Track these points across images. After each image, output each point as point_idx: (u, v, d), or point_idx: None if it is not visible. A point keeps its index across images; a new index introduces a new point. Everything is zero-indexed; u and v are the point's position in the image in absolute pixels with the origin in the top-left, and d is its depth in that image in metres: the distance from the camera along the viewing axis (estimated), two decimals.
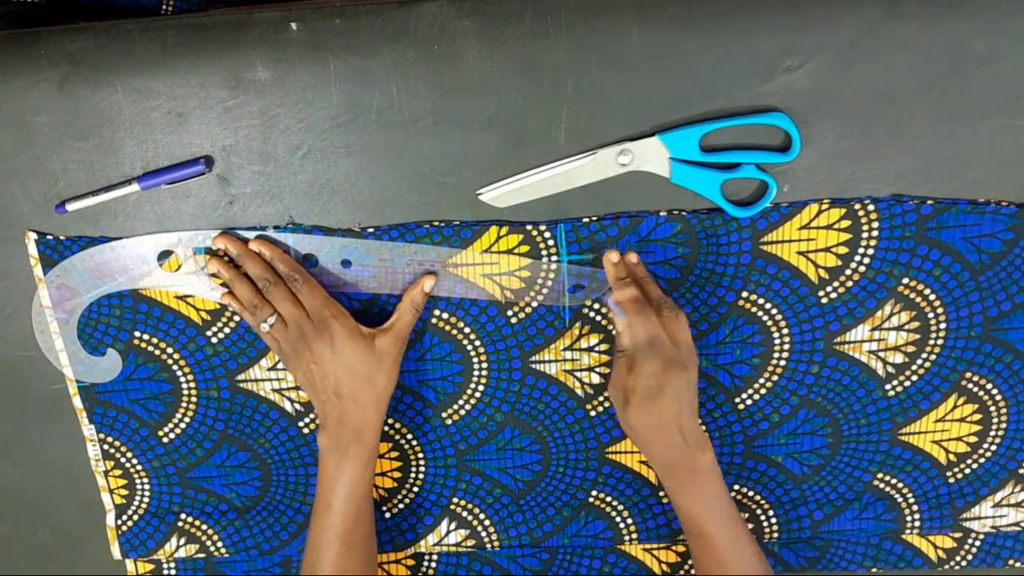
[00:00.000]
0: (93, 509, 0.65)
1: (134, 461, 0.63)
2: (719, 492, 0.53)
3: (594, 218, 0.55)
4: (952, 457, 0.61)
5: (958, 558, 0.64)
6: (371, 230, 0.56)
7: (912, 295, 0.56)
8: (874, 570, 0.65)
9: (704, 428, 0.60)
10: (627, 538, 0.63)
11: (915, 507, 0.62)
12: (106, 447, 0.63)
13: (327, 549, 0.55)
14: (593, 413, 0.61)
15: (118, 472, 0.64)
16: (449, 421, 0.61)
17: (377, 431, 0.56)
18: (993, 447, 0.61)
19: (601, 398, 0.60)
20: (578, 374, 0.60)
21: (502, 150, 0.54)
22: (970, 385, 0.59)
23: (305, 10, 0.52)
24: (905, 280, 0.56)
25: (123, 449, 0.63)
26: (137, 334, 0.60)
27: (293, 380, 0.59)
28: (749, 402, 0.60)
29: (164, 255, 0.57)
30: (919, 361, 0.58)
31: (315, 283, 0.55)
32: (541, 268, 0.56)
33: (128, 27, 0.52)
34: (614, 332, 0.56)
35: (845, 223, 0.55)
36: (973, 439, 0.61)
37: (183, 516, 0.65)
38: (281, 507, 0.64)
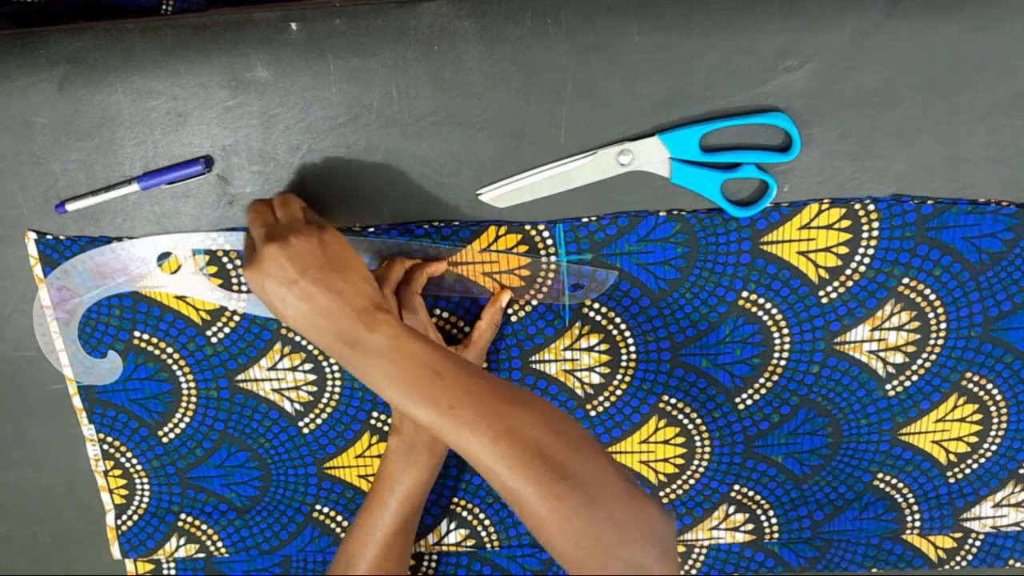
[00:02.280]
0: (93, 509, 0.65)
1: (134, 461, 0.63)
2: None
3: (593, 218, 0.55)
4: (952, 457, 0.61)
5: (958, 558, 0.64)
6: (371, 229, 0.56)
7: (912, 295, 0.56)
8: (874, 570, 0.64)
9: (704, 427, 0.60)
10: None
11: (915, 507, 0.62)
12: (106, 447, 0.63)
13: (371, 546, 0.55)
14: (593, 413, 0.61)
15: (118, 472, 0.64)
16: None
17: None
18: (993, 447, 0.61)
19: (601, 398, 0.60)
20: (578, 374, 0.60)
21: (502, 150, 0.54)
22: (970, 385, 0.59)
23: (305, 10, 0.52)
24: (905, 280, 0.56)
25: (123, 449, 0.63)
26: (137, 334, 0.60)
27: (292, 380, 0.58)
28: (749, 402, 0.60)
29: (163, 256, 0.57)
30: (919, 361, 0.58)
31: (416, 304, 0.54)
32: (541, 267, 0.56)
33: (128, 27, 0.52)
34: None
35: (845, 223, 0.55)
36: (973, 439, 0.61)
37: (183, 516, 0.65)
38: (281, 507, 0.64)
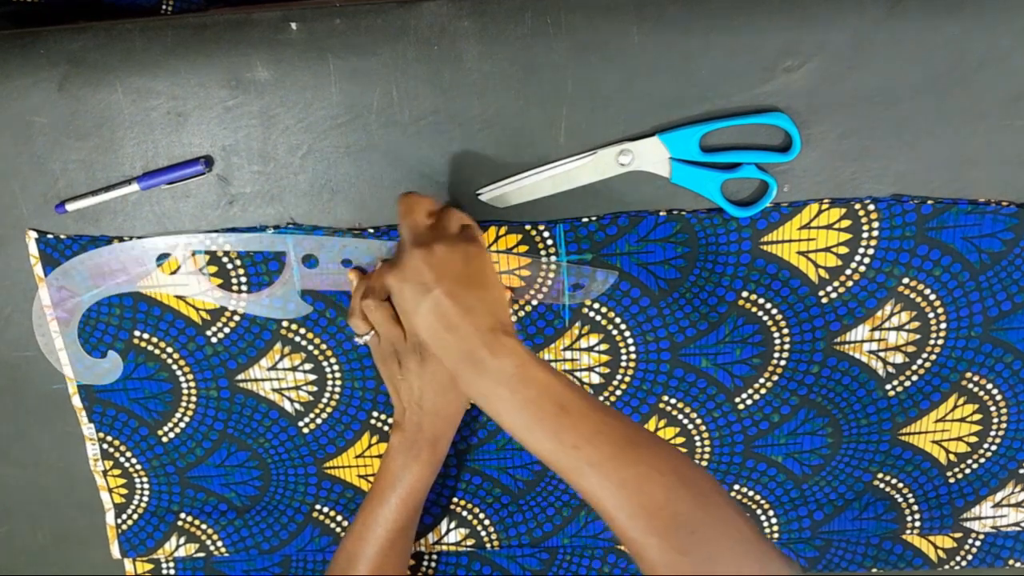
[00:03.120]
0: (92, 508, 0.65)
1: (133, 460, 0.63)
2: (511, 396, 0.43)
3: (593, 218, 0.55)
4: (952, 457, 0.61)
5: (958, 558, 0.64)
6: (371, 230, 0.56)
7: (912, 295, 0.56)
8: (874, 570, 0.64)
9: (704, 427, 0.60)
10: None
11: (915, 507, 0.62)
12: (105, 446, 0.63)
13: (371, 543, 0.55)
14: None
15: (117, 471, 0.64)
16: None
17: (450, 441, 0.57)
18: (993, 447, 0.61)
19: (601, 398, 0.60)
20: (578, 374, 0.60)
21: (502, 150, 0.54)
22: (970, 385, 0.59)
23: (305, 10, 0.52)
24: (905, 280, 0.56)
25: (122, 448, 0.63)
26: (137, 333, 0.60)
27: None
28: (749, 402, 0.60)
29: (163, 256, 0.57)
30: (919, 361, 0.58)
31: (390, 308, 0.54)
32: (541, 267, 0.56)
33: (128, 27, 0.52)
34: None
35: (845, 223, 0.55)
36: (973, 439, 0.61)
37: (182, 515, 0.65)
38: (281, 507, 0.64)
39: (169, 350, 0.60)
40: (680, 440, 0.61)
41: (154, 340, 0.60)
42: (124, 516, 0.65)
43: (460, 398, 0.55)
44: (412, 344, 0.53)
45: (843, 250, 0.55)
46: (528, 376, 0.43)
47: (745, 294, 0.57)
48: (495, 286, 0.46)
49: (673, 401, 0.60)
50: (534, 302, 0.58)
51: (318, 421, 0.62)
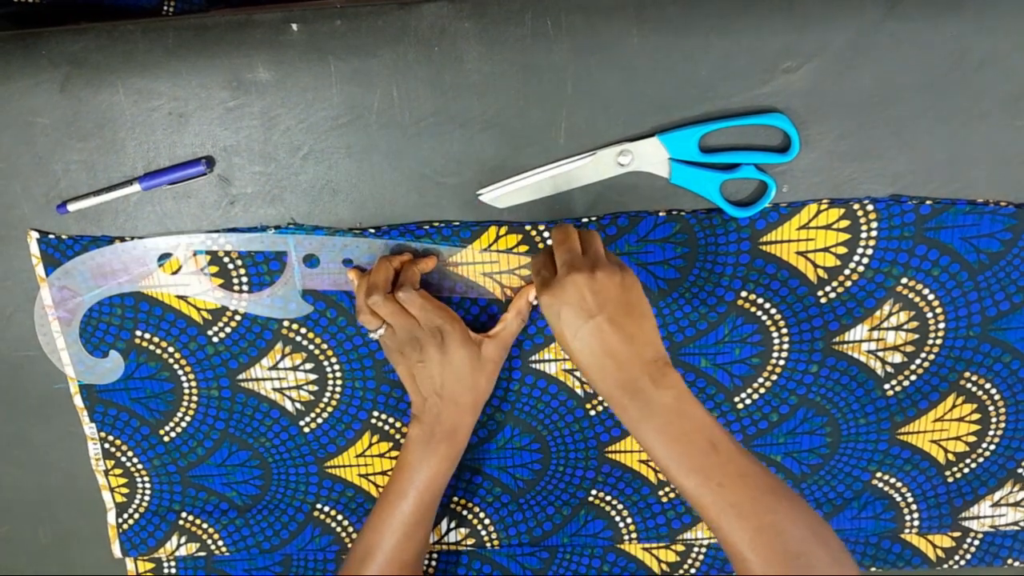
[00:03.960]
0: (94, 508, 0.65)
1: (135, 460, 0.64)
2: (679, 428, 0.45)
3: (593, 218, 0.55)
4: (951, 456, 0.61)
5: (957, 557, 0.65)
6: (372, 230, 0.56)
7: (911, 295, 0.57)
8: (873, 569, 0.65)
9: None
10: (627, 537, 0.63)
11: (914, 506, 0.62)
12: (107, 446, 0.63)
13: (388, 536, 0.55)
14: (593, 412, 0.61)
15: (119, 471, 0.64)
16: None
17: (469, 433, 0.57)
18: (992, 447, 0.61)
19: (601, 397, 0.60)
20: (578, 373, 0.60)
21: (502, 150, 0.54)
22: (969, 385, 0.59)
23: (306, 11, 0.52)
24: (904, 280, 0.56)
25: (124, 448, 0.63)
26: (139, 333, 0.60)
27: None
28: (748, 401, 0.60)
29: (164, 256, 0.57)
30: (918, 361, 0.58)
31: (426, 296, 0.54)
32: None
33: (129, 28, 0.53)
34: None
35: (844, 223, 0.55)
36: (972, 439, 0.61)
37: (184, 515, 0.65)
38: (282, 506, 0.64)
39: (171, 350, 0.60)
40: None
41: (155, 340, 0.60)
42: (125, 515, 0.65)
43: (478, 387, 0.56)
44: (431, 330, 0.53)
45: (842, 250, 0.55)
46: (685, 410, 0.45)
47: (744, 294, 0.57)
48: (651, 316, 0.48)
49: None
50: (535, 302, 0.58)
51: (319, 420, 0.62)
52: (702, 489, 0.44)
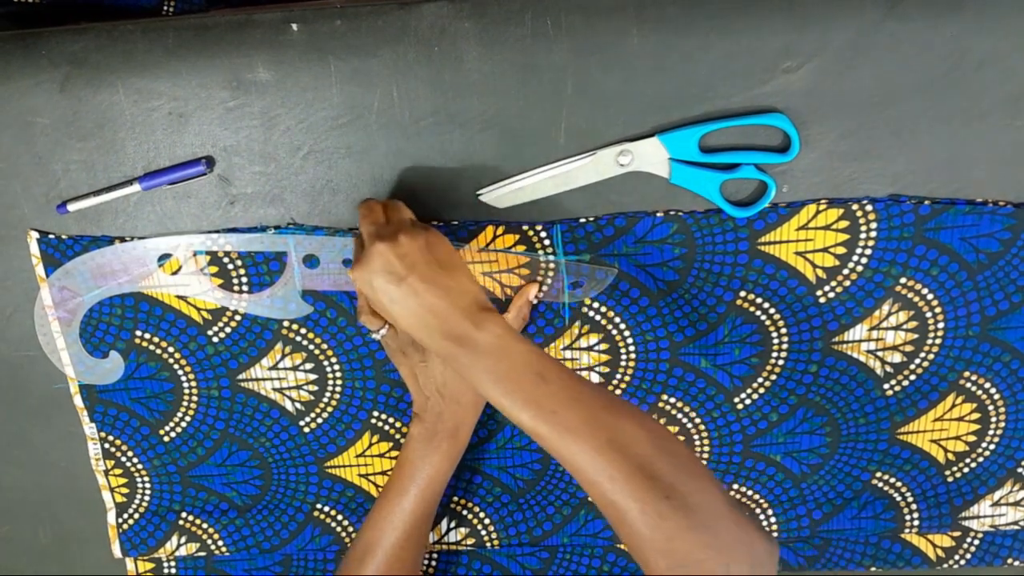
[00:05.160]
0: (94, 508, 0.65)
1: (135, 460, 0.64)
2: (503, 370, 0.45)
3: (591, 218, 0.55)
4: (951, 456, 0.61)
5: (957, 557, 0.65)
6: None
7: (910, 295, 0.57)
8: (873, 569, 0.65)
9: (703, 427, 0.61)
10: None
11: (914, 506, 0.62)
12: (107, 446, 0.63)
13: (389, 533, 0.55)
14: None
15: (119, 471, 0.64)
16: None
17: (470, 432, 0.57)
18: (992, 446, 0.61)
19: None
20: (578, 373, 0.60)
21: (502, 151, 0.54)
22: (968, 384, 0.59)
23: (306, 11, 0.52)
24: (903, 280, 0.56)
25: (124, 448, 0.63)
26: (139, 333, 0.60)
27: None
28: (748, 401, 0.60)
29: (164, 257, 0.57)
30: (917, 360, 0.58)
31: None
32: (540, 265, 0.57)
33: (129, 28, 0.53)
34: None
35: (843, 223, 0.55)
36: (972, 438, 0.61)
37: (184, 515, 0.65)
38: (282, 506, 0.64)
39: (171, 350, 0.60)
40: (679, 439, 0.61)
41: (155, 340, 0.60)
42: (125, 515, 0.65)
43: None
44: None
45: (841, 250, 0.55)
46: (509, 347, 0.45)
47: (743, 294, 0.57)
48: (462, 265, 0.48)
49: (672, 400, 0.60)
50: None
51: (319, 420, 0.62)
52: (537, 420, 0.43)
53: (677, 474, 0.41)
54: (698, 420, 0.60)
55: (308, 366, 0.60)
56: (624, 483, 0.40)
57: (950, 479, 0.62)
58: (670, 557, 0.39)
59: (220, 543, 0.65)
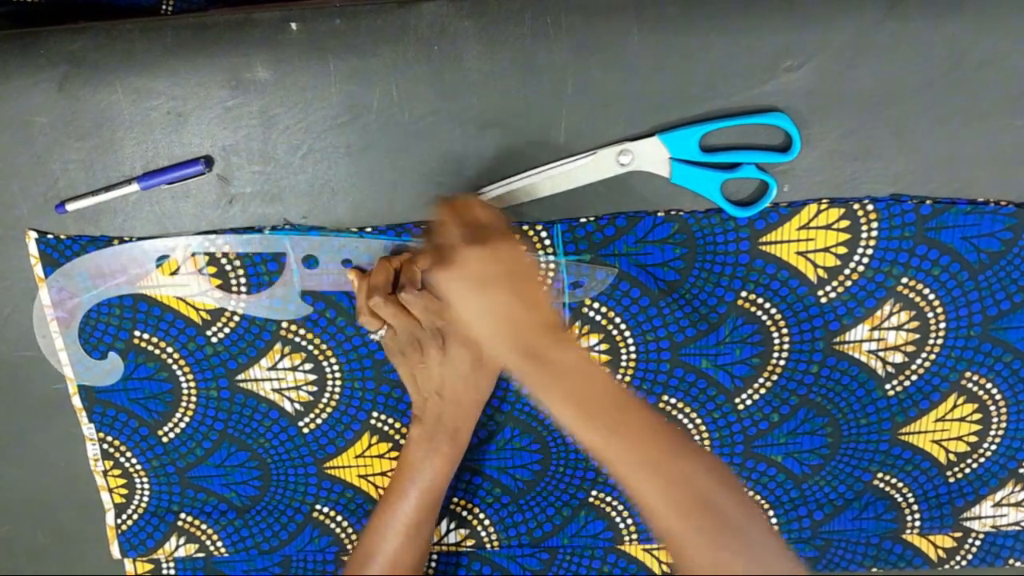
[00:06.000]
0: (92, 508, 0.65)
1: (133, 460, 0.63)
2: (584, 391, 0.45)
3: (591, 218, 0.55)
4: (952, 457, 0.61)
5: (958, 558, 0.64)
6: (370, 230, 0.56)
7: (911, 295, 0.56)
8: (874, 570, 0.65)
9: (704, 427, 0.60)
10: (627, 538, 0.63)
11: (915, 507, 0.62)
12: (106, 446, 0.63)
13: (390, 539, 0.55)
14: None
15: (117, 472, 0.64)
16: None
17: (470, 433, 0.57)
18: (993, 447, 0.61)
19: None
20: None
21: (502, 150, 0.54)
22: (970, 385, 0.59)
23: (305, 10, 0.52)
24: (904, 280, 0.56)
25: (123, 448, 0.63)
26: (137, 334, 0.60)
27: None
28: (749, 402, 0.60)
29: (162, 258, 0.57)
30: (919, 361, 0.58)
31: (428, 296, 0.53)
32: (540, 265, 0.56)
33: (128, 27, 0.52)
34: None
35: (844, 223, 0.55)
36: (973, 439, 0.61)
37: (183, 515, 0.65)
38: (281, 507, 0.64)
39: (169, 350, 0.60)
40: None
41: (154, 340, 0.60)
42: (124, 516, 0.65)
43: (480, 387, 0.55)
44: (432, 332, 0.53)
45: (842, 250, 0.55)
46: (590, 371, 0.45)
47: (744, 294, 0.57)
48: (541, 280, 0.47)
49: (673, 401, 0.60)
50: None
51: (318, 421, 0.62)
52: (611, 446, 0.43)
53: (739, 510, 0.42)
54: (699, 421, 0.60)
55: (307, 367, 0.60)
56: (690, 515, 0.41)
57: (951, 480, 0.62)
58: None
59: (219, 544, 0.65)
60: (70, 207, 0.56)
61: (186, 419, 0.62)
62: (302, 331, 0.59)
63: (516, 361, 0.45)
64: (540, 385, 0.45)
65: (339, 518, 0.64)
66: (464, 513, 0.64)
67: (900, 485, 0.62)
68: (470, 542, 0.64)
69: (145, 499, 0.65)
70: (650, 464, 0.42)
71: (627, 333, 0.58)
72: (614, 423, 0.43)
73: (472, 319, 0.46)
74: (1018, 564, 0.64)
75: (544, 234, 0.56)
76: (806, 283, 0.56)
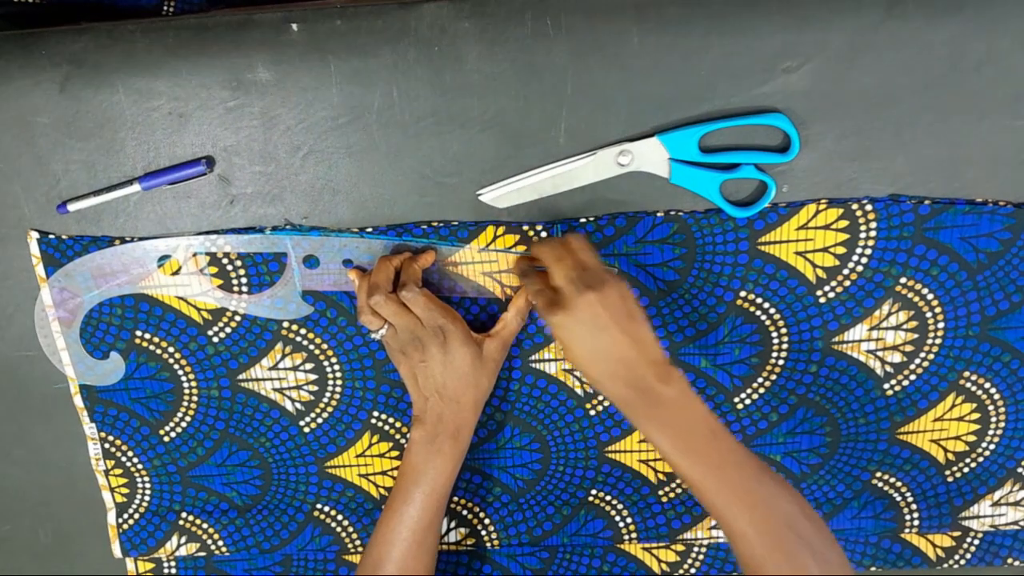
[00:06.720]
0: (94, 508, 0.65)
1: (135, 460, 0.64)
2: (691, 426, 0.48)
3: (591, 218, 0.55)
4: (951, 456, 0.61)
5: (957, 557, 0.65)
6: (370, 230, 0.56)
7: (910, 295, 0.57)
8: (873, 569, 0.65)
9: None
10: (627, 537, 0.63)
11: (914, 506, 0.62)
12: (107, 446, 0.63)
13: (397, 544, 0.55)
14: (593, 412, 0.61)
15: (119, 471, 0.64)
16: None
17: (471, 432, 0.57)
18: (992, 446, 0.61)
19: (601, 396, 0.60)
20: (578, 373, 0.60)
21: (502, 150, 0.54)
22: (968, 384, 0.59)
23: (306, 11, 0.52)
24: (903, 280, 0.56)
25: (124, 448, 0.63)
26: (139, 333, 0.60)
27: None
28: (748, 401, 0.60)
29: (164, 258, 0.57)
30: (917, 360, 0.58)
31: (429, 295, 0.54)
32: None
33: (129, 28, 0.53)
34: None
35: (843, 223, 0.55)
36: (972, 438, 0.61)
37: (184, 515, 0.65)
38: (282, 506, 0.64)
39: (171, 350, 0.60)
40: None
41: (156, 340, 0.60)
42: (125, 515, 0.65)
43: (480, 385, 0.56)
44: (433, 330, 0.53)
45: (841, 250, 0.56)
46: (689, 404, 0.49)
47: (743, 294, 0.57)
48: (646, 317, 0.50)
49: None
50: (534, 300, 0.58)
51: (319, 420, 0.62)
52: (706, 474, 0.47)
53: (819, 536, 0.46)
54: None
55: (308, 366, 0.60)
56: (774, 538, 0.45)
57: (950, 479, 0.62)
58: None
59: (220, 543, 0.65)
60: (72, 207, 0.56)
61: (187, 418, 0.62)
62: (303, 331, 0.59)
63: (619, 393, 0.49)
64: (639, 416, 0.49)
65: (340, 517, 0.64)
66: (464, 512, 0.64)
67: (899, 484, 0.62)
68: (470, 541, 0.64)
69: (146, 498, 0.65)
70: (738, 490, 0.47)
71: None
72: (708, 451, 0.48)
73: (587, 360, 0.49)
74: (1016, 563, 0.65)
75: (544, 234, 0.56)
76: (805, 283, 0.57)
